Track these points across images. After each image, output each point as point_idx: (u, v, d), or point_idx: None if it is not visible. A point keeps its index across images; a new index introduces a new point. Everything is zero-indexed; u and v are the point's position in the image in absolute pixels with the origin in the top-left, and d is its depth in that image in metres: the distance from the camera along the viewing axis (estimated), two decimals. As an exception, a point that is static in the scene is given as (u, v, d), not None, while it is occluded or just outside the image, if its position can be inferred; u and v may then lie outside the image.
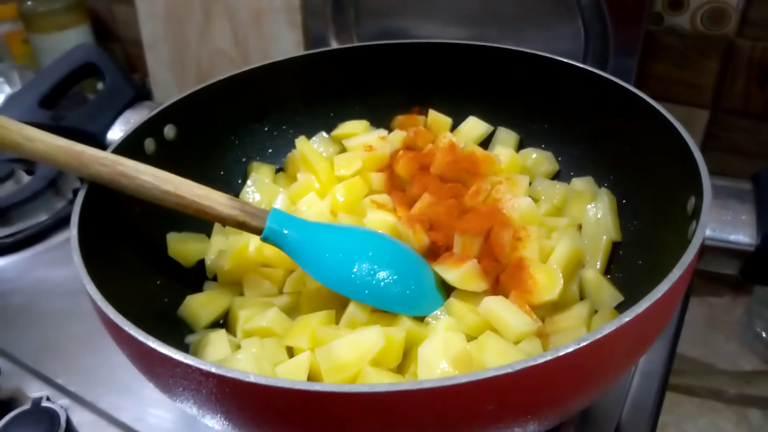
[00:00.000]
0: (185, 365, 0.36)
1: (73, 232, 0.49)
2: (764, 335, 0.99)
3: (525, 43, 0.71)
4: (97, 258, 0.49)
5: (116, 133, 0.70)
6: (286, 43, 1.12)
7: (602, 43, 0.87)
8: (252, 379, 0.35)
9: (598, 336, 0.36)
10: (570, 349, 0.35)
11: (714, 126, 0.97)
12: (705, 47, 0.91)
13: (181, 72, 1.27)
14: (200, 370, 0.36)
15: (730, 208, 0.50)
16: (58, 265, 0.84)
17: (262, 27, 1.13)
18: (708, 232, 0.48)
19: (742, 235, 0.48)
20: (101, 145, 0.68)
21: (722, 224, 0.49)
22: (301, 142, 0.73)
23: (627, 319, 0.37)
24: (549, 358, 0.35)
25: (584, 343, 0.35)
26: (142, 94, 0.72)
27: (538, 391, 0.37)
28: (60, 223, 0.90)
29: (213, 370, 0.36)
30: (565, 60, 0.67)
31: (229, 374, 0.35)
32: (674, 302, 0.44)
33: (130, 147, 0.60)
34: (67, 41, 1.39)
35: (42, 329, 0.75)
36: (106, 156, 0.54)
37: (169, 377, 0.39)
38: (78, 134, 0.67)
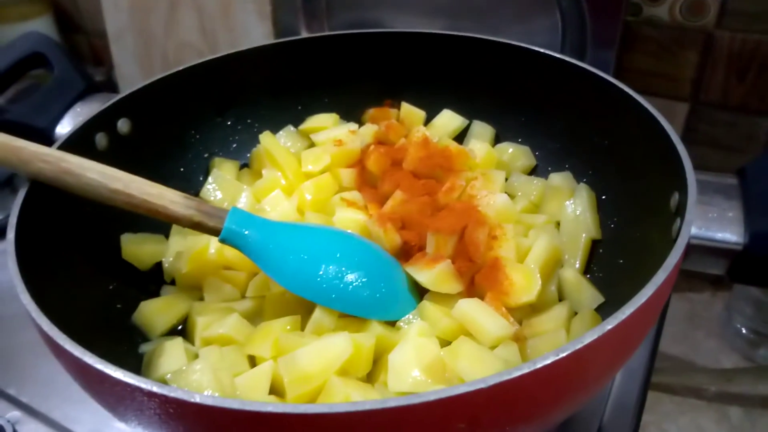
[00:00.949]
0: (124, 383, 0.33)
1: (9, 235, 0.45)
2: (744, 331, 0.98)
3: (501, 35, 0.69)
4: (40, 262, 0.46)
5: (65, 127, 0.66)
6: (255, 34, 1.09)
7: (580, 35, 0.85)
8: (197, 399, 0.31)
9: (578, 346, 0.33)
10: (548, 361, 0.32)
11: (693, 119, 0.95)
12: (684, 39, 0.90)
13: (147, 64, 1.24)
14: (140, 389, 0.32)
15: (715, 204, 0.48)
16: (12, 268, 0.80)
17: (230, 17, 1.09)
18: (693, 231, 0.46)
19: (729, 233, 0.46)
20: (49, 140, 0.64)
21: (707, 222, 0.47)
22: (265, 137, 0.70)
23: (609, 327, 0.34)
24: (525, 371, 0.32)
25: (563, 354, 0.32)
26: (94, 85, 0.67)
27: (513, 406, 0.34)
28: (15, 223, 0.85)
29: (154, 389, 0.32)
30: (543, 50, 0.65)
31: (172, 394, 0.32)
32: (659, 306, 0.41)
33: (79, 142, 0.56)
34: (29, 33, 1.34)
35: (-7, 336, 0.71)
36: (50, 153, 0.50)
37: (109, 396, 0.36)
38: (23, 129, 0.63)
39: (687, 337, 1.01)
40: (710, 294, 1.06)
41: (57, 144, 0.54)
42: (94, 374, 0.35)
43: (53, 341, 0.37)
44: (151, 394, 0.32)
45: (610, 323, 0.34)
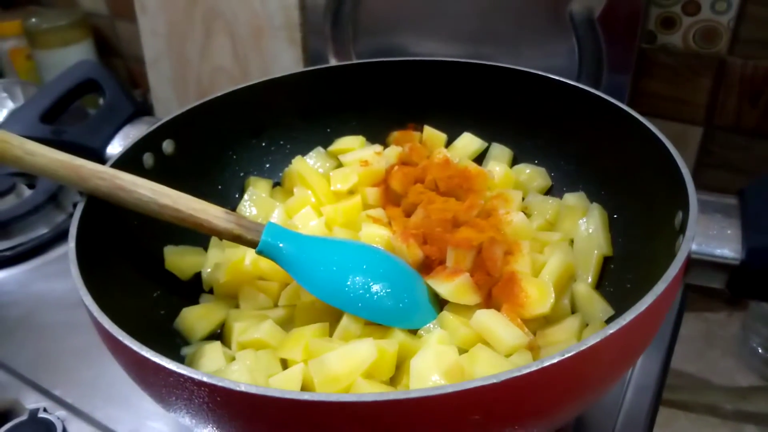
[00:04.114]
0: (178, 374, 0.37)
1: (71, 244, 0.50)
2: (760, 351, 0.99)
3: (520, 60, 0.72)
4: (95, 270, 0.50)
5: (116, 147, 0.71)
6: (285, 60, 1.13)
7: (596, 61, 0.88)
8: (243, 388, 0.35)
9: (583, 347, 0.36)
10: (555, 360, 0.36)
11: (708, 142, 0.97)
12: (697, 65, 0.92)
13: (182, 88, 1.29)
14: (192, 380, 0.37)
15: (716, 222, 0.51)
16: (58, 278, 0.85)
17: (262, 44, 1.14)
18: (694, 246, 0.49)
19: (727, 249, 0.49)
20: (101, 159, 0.69)
21: (708, 238, 0.50)
22: (297, 161, 0.74)
23: (611, 331, 0.37)
24: (534, 368, 0.35)
25: (569, 354, 0.36)
26: (141, 109, 0.73)
27: (524, 401, 0.38)
28: (60, 236, 0.91)
29: (205, 379, 0.36)
30: (559, 78, 0.68)
31: (221, 383, 0.36)
32: (660, 314, 0.44)
33: (128, 161, 0.61)
34: (70, 57, 1.41)
35: (40, 341, 0.75)
36: (105, 170, 0.55)
37: (162, 387, 0.40)
38: (78, 149, 0.68)
39: (703, 356, 1.02)
40: (726, 314, 1.07)
41: (109, 163, 0.59)
42: (151, 367, 0.39)
43: (114, 338, 0.41)
44: (201, 384, 0.37)
45: (612, 328, 0.37)
